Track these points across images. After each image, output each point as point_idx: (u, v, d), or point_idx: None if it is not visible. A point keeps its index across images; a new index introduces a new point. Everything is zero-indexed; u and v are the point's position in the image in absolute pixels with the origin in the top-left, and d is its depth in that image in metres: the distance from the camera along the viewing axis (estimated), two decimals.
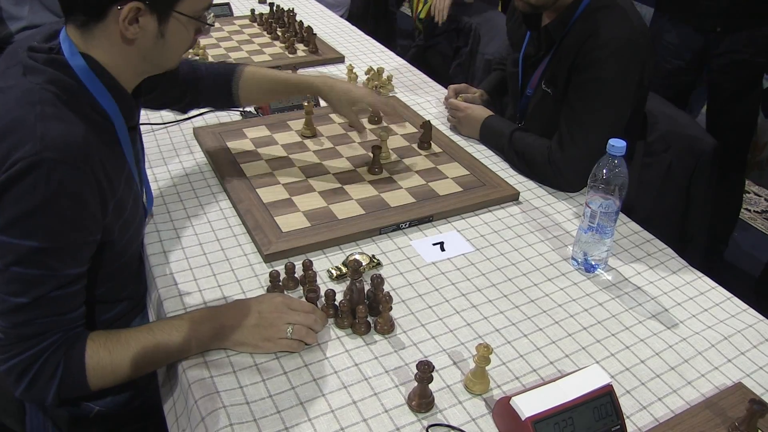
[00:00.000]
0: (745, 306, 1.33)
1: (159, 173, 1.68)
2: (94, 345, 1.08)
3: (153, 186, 1.60)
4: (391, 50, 2.60)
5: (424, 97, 2.18)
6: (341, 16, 3.20)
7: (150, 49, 1.12)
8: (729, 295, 1.36)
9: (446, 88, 2.14)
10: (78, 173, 1.01)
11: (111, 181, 1.10)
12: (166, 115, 1.96)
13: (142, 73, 1.20)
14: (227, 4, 2.96)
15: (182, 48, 1.19)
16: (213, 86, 1.61)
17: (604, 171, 1.31)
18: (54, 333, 1.06)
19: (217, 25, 2.64)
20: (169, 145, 1.81)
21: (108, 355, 1.08)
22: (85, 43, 1.09)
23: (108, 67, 1.11)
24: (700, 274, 1.42)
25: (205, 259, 1.39)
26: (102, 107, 1.12)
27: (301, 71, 2.27)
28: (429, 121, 1.76)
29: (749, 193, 3.50)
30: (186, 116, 1.93)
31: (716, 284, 1.39)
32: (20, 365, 1.05)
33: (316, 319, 1.18)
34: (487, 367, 1.10)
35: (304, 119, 1.83)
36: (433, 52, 3.48)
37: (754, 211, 3.36)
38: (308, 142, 1.79)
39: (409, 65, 2.44)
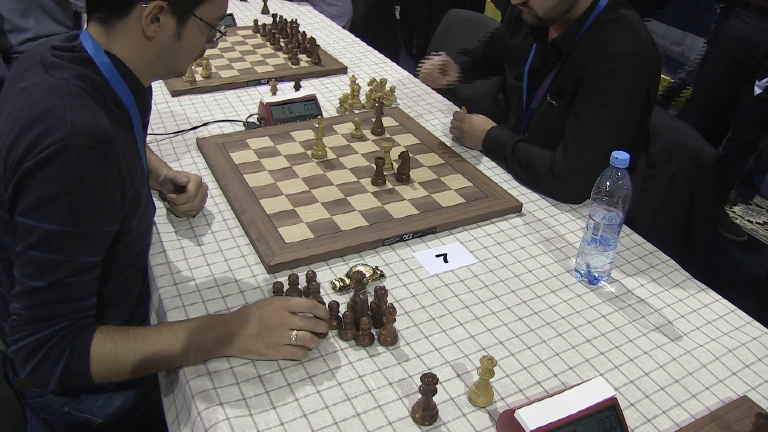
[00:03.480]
0: (749, 318, 1.33)
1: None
2: (102, 336, 1.11)
3: (156, 194, 1.60)
4: (394, 61, 2.61)
5: (427, 108, 2.19)
6: (343, 27, 3.21)
7: (166, 48, 1.18)
8: (733, 307, 1.36)
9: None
10: (104, 160, 1.05)
11: (130, 172, 1.15)
12: (170, 125, 1.97)
13: (155, 73, 1.25)
14: (231, 14, 2.98)
15: (194, 53, 1.24)
16: None
17: (608, 183, 1.31)
18: (65, 319, 1.09)
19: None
20: (173, 155, 1.81)
21: (114, 347, 1.10)
22: (107, 40, 1.15)
23: (128, 63, 1.17)
24: (704, 287, 1.42)
25: (208, 270, 1.39)
26: (122, 102, 1.18)
27: (304, 82, 2.27)
28: (407, 151, 1.71)
29: (750, 203, 3.50)
30: (189, 127, 1.94)
31: (720, 296, 1.39)
32: (29, 347, 1.07)
33: (317, 322, 1.19)
34: (491, 380, 1.10)
35: (314, 136, 1.81)
36: None
37: (755, 222, 3.36)
38: (311, 153, 1.79)
39: (411, 76, 2.44)
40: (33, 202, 1.03)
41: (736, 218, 3.37)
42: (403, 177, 1.69)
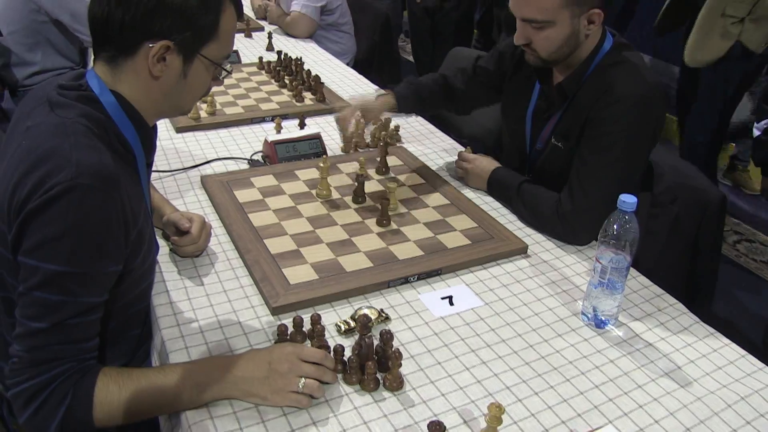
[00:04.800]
0: (761, 365, 1.31)
1: None
2: (105, 378, 1.09)
3: (159, 232, 1.59)
4: None
5: (431, 147, 2.19)
6: (347, 64, 3.24)
7: (172, 87, 1.18)
8: (743, 352, 1.34)
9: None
10: (109, 200, 1.05)
11: (134, 212, 1.14)
12: (174, 162, 1.97)
13: (161, 112, 1.25)
14: (236, 51, 2.99)
15: (200, 91, 1.25)
16: None
17: (615, 226, 1.30)
18: (68, 361, 1.07)
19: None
20: (177, 192, 1.81)
21: (117, 390, 1.09)
22: (113, 78, 1.16)
23: (133, 102, 1.18)
24: (712, 330, 1.40)
25: (211, 310, 1.37)
26: (127, 141, 1.18)
27: (308, 120, 2.28)
28: (388, 198, 1.68)
29: (755, 242, 3.49)
30: (193, 164, 1.94)
31: (729, 341, 1.37)
32: (30, 390, 1.05)
33: (325, 370, 1.17)
34: (498, 427, 1.08)
35: (318, 175, 1.79)
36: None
37: (760, 261, 3.34)
38: (316, 192, 1.79)
39: (415, 115, 2.45)
40: (37, 242, 1.02)
41: (740, 257, 3.36)
42: (383, 222, 1.66)
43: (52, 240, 1.02)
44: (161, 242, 1.54)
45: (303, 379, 1.13)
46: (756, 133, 2.56)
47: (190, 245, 1.51)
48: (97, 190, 1.03)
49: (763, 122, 2.60)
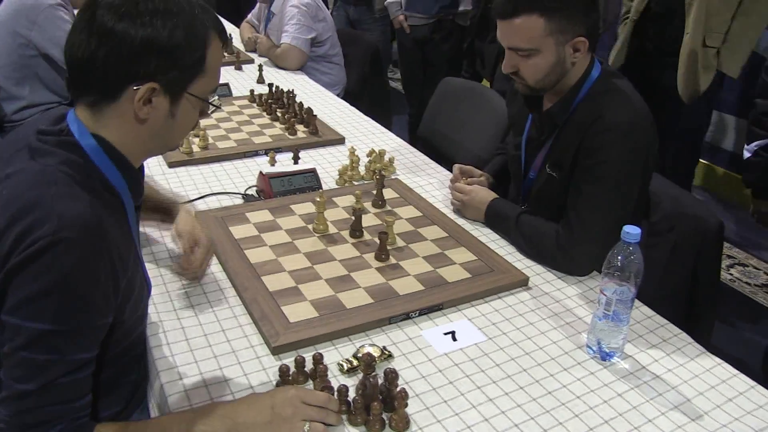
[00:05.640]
0: None
1: (160, 257, 1.65)
2: None
3: (153, 271, 1.57)
4: (390, 130, 2.62)
5: (426, 179, 2.18)
6: (337, 95, 3.24)
7: (160, 128, 1.13)
8: (752, 383, 1.32)
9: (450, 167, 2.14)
10: (95, 253, 1.00)
11: (122, 259, 1.09)
12: None
13: (149, 151, 1.21)
14: (226, 84, 2.99)
15: (188, 128, 1.21)
16: None
17: (619, 258, 1.29)
18: (58, 422, 1.01)
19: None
20: (171, 230, 1.78)
21: None
22: (95, 122, 1.10)
23: (118, 146, 1.12)
24: (720, 361, 1.39)
25: (210, 351, 1.35)
26: (113, 186, 1.13)
27: (302, 153, 2.26)
28: (386, 232, 1.66)
29: (747, 266, 3.49)
30: (187, 199, 1.92)
31: (737, 371, 1.35)
32: None
33: (329, 412, 1.14)
34: None
35: (314, 209, 1.77)
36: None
37: (754, 285, 3.34)
38: (312, 227, 1.77)
39: (409, 146, 2.44)
40: (20, 300, 0.97)
41: (734, 281, 3.36)
42: (381, 256, 1.64)
43: (36, 297, 0.97)
44: (154, 281, 1.51)
45: (307, 423, 1.10)
46: (746, 155, 2.56)
47: (190, 275, 1.49)
48: (82, 243, 0.98)
49: (753, 144, 2.61)
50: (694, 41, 2.92)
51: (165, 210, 1.61)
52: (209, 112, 1.21)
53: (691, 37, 2.91)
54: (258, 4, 3.85)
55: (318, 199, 1.73)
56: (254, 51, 3.70)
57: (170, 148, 1.25)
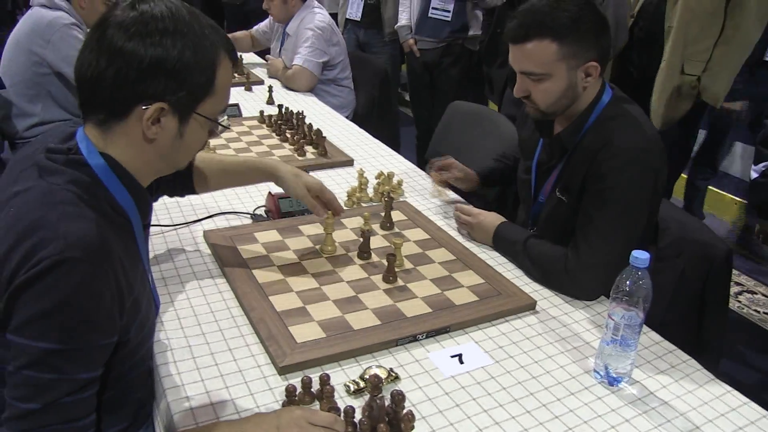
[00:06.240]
0: None
1: (168, 275, 1.66)
2: None
3: (162, 290, 1.57)
4: (398, 153, 2.63)
5: (434, 201, 2.18)
6: (346, 117, 3.26)
7: (168, 148, 1.14)
8: (764, 412, 1.31)
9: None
10: (99, 273, 1.00)
11: (128, 279, 1.09)
12: (176, 216, 1.95)
13: (158, 171, 1.21)
14: (236, 105, 3.01)
15: (197, 148, 1.21)
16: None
17: (628, 283, 1.29)
18: None
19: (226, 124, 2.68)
20: (180, 247, 1.79)
21: None
22: (104, 141, 1.11)
23: (126, 165, 1.13)
24: (729, 388, 1.38)
25: (217, 370, 1.34)
26: (120, 205, 1.13)
27: (311, 174, 2.27)
28: (394, 254, 1.66)
29: (756, 293, 3.47)
30: (196, 218, 1.93)
31: (748, 399, 1.34)
32: None
33: None
34: None
35: (322, 230, 1.78)
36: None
37: (763, 312, 3.32)
38: (320, 248, 1.77)
39: (417, 169, 2.45)
40: (25, 319, 0.97)
41: (743, 308, 3.34)
42: (389, 278, 1.64)
43: (40, 317, 0.97)
44: (163, 299, 1.51)
45: None
46: (753, 175, 2.55)
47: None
48: (87, 263, 0.98)
49: (761, 165, 2.60)
50: (671, 68, 2.90)
51: (267, 172, 1.74)
52: (218, 132, 1.22)
53: (668, 63, 2.89)
54: (269, 19, 3.88)
55: (327, 220, 1.74)
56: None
57: (179, 167, 1.25)
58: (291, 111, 2.80)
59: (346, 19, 4.74)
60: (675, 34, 2.84)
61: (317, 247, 1.78)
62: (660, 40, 2.98)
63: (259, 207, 2.05)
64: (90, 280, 0.99)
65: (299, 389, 1.25)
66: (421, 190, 2.27)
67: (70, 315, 0.98)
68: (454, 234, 1.94)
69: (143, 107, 1.07)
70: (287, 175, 1.72)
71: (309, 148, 2.52)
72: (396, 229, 1.92)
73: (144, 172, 1.17)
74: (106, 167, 1.10)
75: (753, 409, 1.32)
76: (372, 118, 3.72)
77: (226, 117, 1.25)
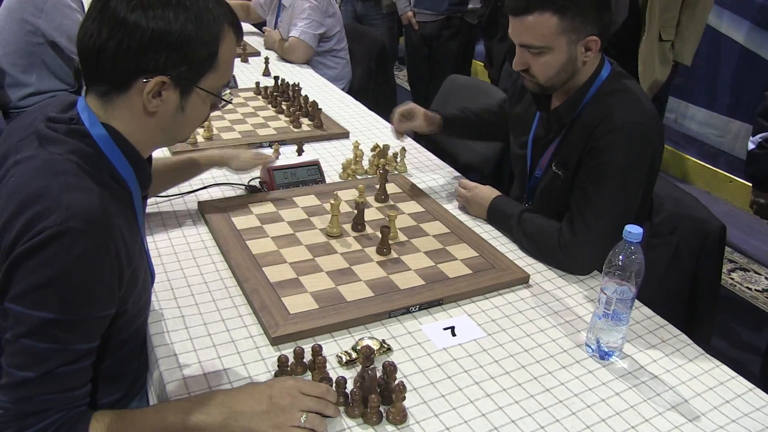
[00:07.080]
0: None
1: (162, 245, 1.66)
2: (98, 426, 1.04)
3: (156, 261, 1.57)
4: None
5: (430, 175, 2.18)
6: (342, 89, 3.24)
7: (169, 121, 1.13)
8: (750, 386, 1.32)
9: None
10: (100, 244, 1.00)
11: (128, 251, 1.09)
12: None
13: (157, 143, 1.21)
14: (232, 76, 2.98)
15: (198, 121, 1.20)
16: None
17: (621, 257, 1.29)
18: (57, 411, 1.02)
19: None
20: (174, 218, 1.79)
21: None
22: (105, 112, 1.10)
23: (127, 136, 1.12)
24: (718, 363, 1.39)
25: (209, 340, 1.35)
26: (121, 176, 1.12)
27: (306, 146, 2.26)
28: (388, 226, 1.66)
29: (749, 270, 3.49)
30: (190, 189, 1.92)
31: (735, 374, 1.36)
32: None
33: (327, 403, 1.14)
34: None
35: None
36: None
37: (755, 290, 3.34)
38: (315, 220, 1.77)
39: (414, 143, 2.44)
40: (24, 289, 0.97)
41: (735, 285, 3.36)
42: (383, 250, 1.64)
43: (40, 287, 0.96)
44: (157, 269, 1.52)
45: (305, 413, 1.10)
46: (750, 146, 2.54)
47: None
48: (88, 235, 0.98)
49: (758, 136, 2.58)
50: (651, 37, 3.09)
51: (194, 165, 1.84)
52: (220, 106, 1.21)
53: (647, 33, 3.08)
54: None
55: (333, 202, 1.69)
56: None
57: (179, 140, 1.25)
58: (287, 83, 2.78)
59: None
60: (650, 5, 3.04)
61: (313, 219, 1.77)
62: (633, 13, 3.13)
63: (254, 178, 2.04)
64: (91, 252, 0.99)
65: (291, 360, 1.26)
66: (418, 164, 2.26)
67: (69, 286, 0.98)
68: (449, 207, 1.94)
69: (144, 80, 1.06)
70: (228, 152, 1.90)
71: (305, 120, 2.51)
72: (390, 202, 1.92)
73: (145, 144, 1.16)
74: (108, 138, 1.10)
75: (740, 383, 1.33)
76: (369, 91, 3.71)
77: (228, 91, 1.23)
